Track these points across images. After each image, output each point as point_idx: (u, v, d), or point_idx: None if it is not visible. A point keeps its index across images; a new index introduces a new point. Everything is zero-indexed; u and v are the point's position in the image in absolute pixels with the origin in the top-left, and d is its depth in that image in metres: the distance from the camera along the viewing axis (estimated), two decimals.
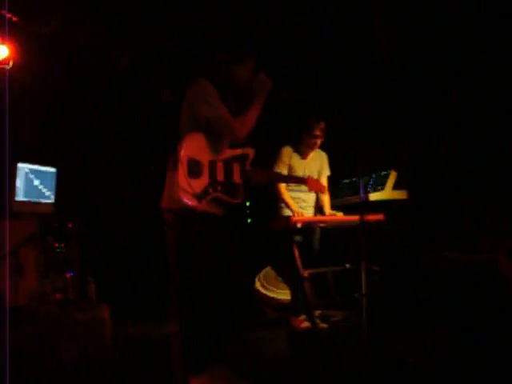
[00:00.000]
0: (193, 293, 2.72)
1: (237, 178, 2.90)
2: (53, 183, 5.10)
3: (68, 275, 4.49)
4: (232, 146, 3.00)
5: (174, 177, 2.64)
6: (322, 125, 4.42)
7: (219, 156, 2.86)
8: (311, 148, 4.50)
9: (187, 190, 2.63)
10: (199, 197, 2.68)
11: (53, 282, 4.44)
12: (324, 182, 4.62)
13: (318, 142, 4.47)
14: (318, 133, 4.40)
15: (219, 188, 2.78)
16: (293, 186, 4.49)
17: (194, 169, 2.70)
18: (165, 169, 2.79)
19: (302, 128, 4.47)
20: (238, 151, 3.00)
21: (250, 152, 3.01)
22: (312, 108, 4.94)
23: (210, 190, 2.74)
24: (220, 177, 2.81)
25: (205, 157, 2.77)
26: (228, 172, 2.86)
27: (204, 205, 2.71)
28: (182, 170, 2.63)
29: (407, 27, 4.84)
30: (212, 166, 2.79)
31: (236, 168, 2.91)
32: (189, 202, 2.64)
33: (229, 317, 2.88)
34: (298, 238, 4.24)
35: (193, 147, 2.72)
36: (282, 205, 4.49)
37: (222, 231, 2.87)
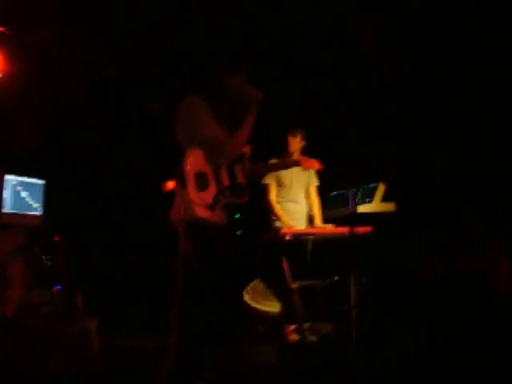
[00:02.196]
0: (198, 303, 2.76)
1: (240, 178, 2.98)
2: (41, 195, 5.06)
3: (55, 288, 4.45)
4: None
5: (185, 192, 2.71)
6: (299, 135, 4.54)
7: (221, 163, 2.91)
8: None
9: (200, 203, 2.73)
10: (212, 206, 2.78)
11: (40, 295, 4.40)
12: (313, 192, 4.70)
13: (295, 148, 4.54)
14: (292, 143, 4.55)
15: (227, 193, 2.86)
16: (283, 197, 4.53)
17: (202, 181, 2.77)
18: (154, 182, 2.80)
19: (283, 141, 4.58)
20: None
21: (247, 149, 3.06)
22: (299, 120, 4.95)
23: (220, 198, 2.83)
24: (226, 182, 2.89)
25: (208, 168, 2.83)
26: (232, 175, 2.95)
27: (217, 214, 2.83)
28: (191, 185, 2.72)
29: (395, 40, 4.90)
30: (216, 174, 2.86)
31: (238, 169, 2.99)
32: (203, 214, 2.74)
33: (220, 329, 2.89)
34: None
35: (197, 161, 2.79)
36: (275, 217, 4.51)
37: (222, 242, 2.93)
